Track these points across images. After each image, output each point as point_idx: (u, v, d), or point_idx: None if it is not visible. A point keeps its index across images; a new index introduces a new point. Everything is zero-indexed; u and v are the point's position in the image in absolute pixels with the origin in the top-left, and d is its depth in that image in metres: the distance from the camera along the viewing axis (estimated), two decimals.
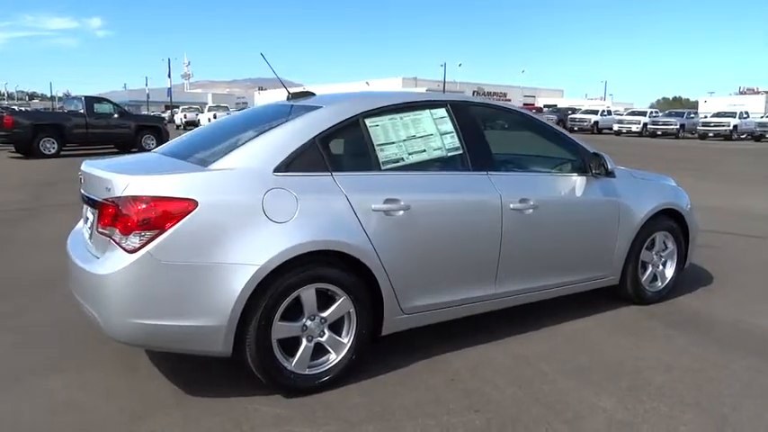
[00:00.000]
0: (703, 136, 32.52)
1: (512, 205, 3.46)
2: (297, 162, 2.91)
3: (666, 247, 4.42)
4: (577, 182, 3.84)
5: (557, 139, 3.96)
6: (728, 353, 3.48)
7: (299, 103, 3.47)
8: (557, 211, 3.71)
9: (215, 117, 37.30)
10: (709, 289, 4.75)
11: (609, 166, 3.85)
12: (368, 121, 3.17)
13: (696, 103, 54.84)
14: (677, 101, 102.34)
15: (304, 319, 2.89)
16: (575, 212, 3.84)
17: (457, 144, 3.40)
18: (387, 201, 3.04)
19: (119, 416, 2.73)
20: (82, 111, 17.34)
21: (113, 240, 2.66)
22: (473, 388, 3.02)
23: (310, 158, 2.95)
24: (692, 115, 36.66)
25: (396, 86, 69.82)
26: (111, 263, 2.63)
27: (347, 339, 3.01)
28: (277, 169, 2.85)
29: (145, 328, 2.63)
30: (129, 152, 18.35)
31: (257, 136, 2.99)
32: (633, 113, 39.18)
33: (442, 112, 3.43)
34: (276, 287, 2.73)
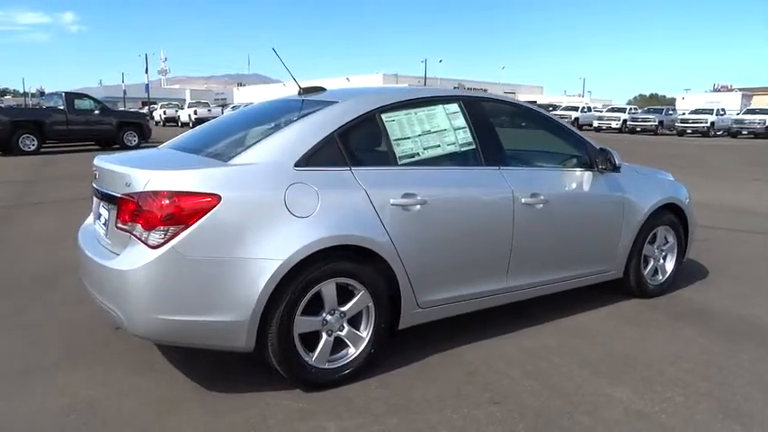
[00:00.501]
0: (681, 132, 33.05)
1: (523, 200, 3.50)
2: (316, 157, 2.90)
3: (667, 241, 4.50)
4: (584, 177, 3.89)
5: (564, 135, 4.00)
6: (734, 344, 3.56)
7: (312, 98, 3.47)
8: (565, 206, 3.76)
9: (195, 113, 36.93)
10: (706, 282, 4.85)
11: (616, 162, 3.91)
12: (384, 117, 3.18)
13: (672, 99, 55.79)
14: (654, 97, 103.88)
15: (324, 314, 2.89)
16: (582, 207, 3.89)
17: (470, 139, 3.43)
18: (405, 195, 3.05)
19: (141, 413, 2.71)
20: (62, 107, 17.03)
21: (134, 236, 2.64)
22: (490, 381, 3.05)
23: (329, 153, 2.95)
24: (671, 112, 37.24)
25: (376, 83, 69.77)
26: (133, 259, 2.60)
27: (366, 333, 3.02)
28: (298, 164, 2.85)
29: (168, 323, 2.61)
30: (112, 149, 18.14)
31: (276, 131, 2.99)
32: (613, 110, 39.71)
33: (454, 107, 3.45)
34: (298, 282, 2.73)
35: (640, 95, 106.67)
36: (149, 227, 2.58)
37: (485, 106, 3.64)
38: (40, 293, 4.36)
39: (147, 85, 59.46)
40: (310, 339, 2.89)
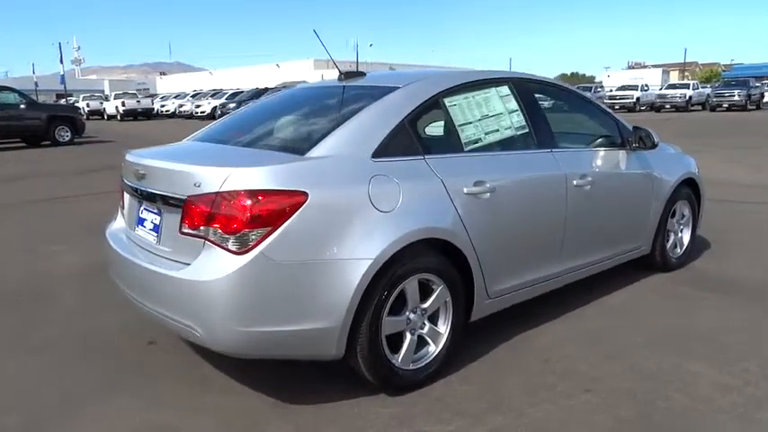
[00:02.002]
0: (611, 108, 34.38)
1: (574, 182, 3.45)
2: (391, 146, 2.72)
3: (684, 215, 4.60)
4: (621, 156, 3.90)
5: (600, 115, 3.99)
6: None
7: (357, 83, 3.27)
8: (606, 186, 3.74)
9: (123, 105, 35.07)
10: (713, 253, 4.98)
11: (655, 140, 3.93)
12: (447, 101, 3.03)
13: (592, 78, 58.07)
14: (575, 76, 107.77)
15: (407, 312, 2.74)
16: (621, 186, 3.90)
17: (523, 122, 3.34)
18: (476, 183, 2.92)
19: None
20: None
21: (211, 242, 2.38)
22: (569, 367, 2.99)
23: (403, 142, 2.78)
24: (599, 90, 38.69)
25: (308, 68, 68.66)
26: (213, 267, 2.35)
27: (444, 329, 2.89)
28: (375, 155, 2.66)
29: (256, 336, 2.39)
30: (41, 146, 16.91)
31: (342, 120, 2.76)
32: None
33: (505, 89, 3.34)
34: (386, 281, 2.56)
35: (562, 75, 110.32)
36: (232, 231, 2.33)
37: (531, 87, 3.55)
38: (41, 306, 3.95)
39: (62, 76, 55.79)
40: (393, 340, 2.73)
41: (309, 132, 2.83)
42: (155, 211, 2.74)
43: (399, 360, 2.72)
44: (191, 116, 34.76)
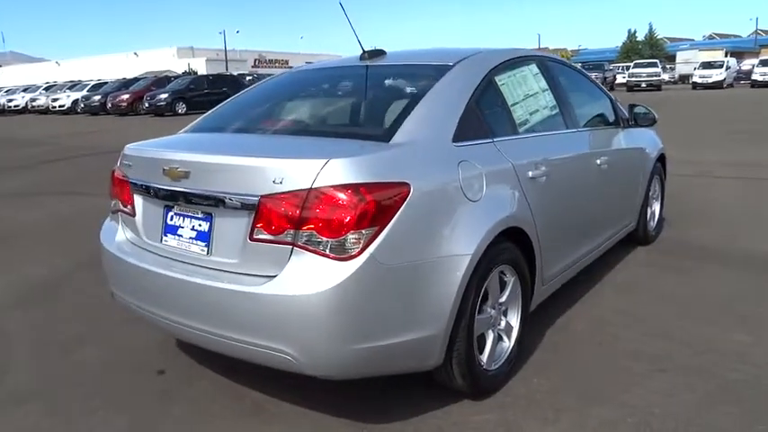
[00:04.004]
0: None
1: (597, 161, 3.43)
2: (465, 129, 2.48)
3: (655, 189, 4.79)
4: (623, 134, 3.95)
5: (600, 94, 4.00)
6: (758, 275, 3.90)
7: (384, 62, 2.98)
8: (616, 164, 3.77)
9: None
10: (675, 224, 5.22)
11: (655, 116, 4.02)
12: (497, 79, 2.84)
13: None
14: None
15: (488, 309, 2.53)
16: (625, 163, 3.96)
17: (554, 102, 3.24)
18: (537, 166, 2.77)
19: None
20: None
21: (303, 248, 2.00)
22: (629, 349, 2.95)
23: (473, 124, 2.55)
24: None
25: (170, 57, 64.75)
26: (312, 277, 1.97)
27: (515, 322, 2.72)
28: (455, 138, 2.40)
29: (364, 353, 2.05)
30: None
31: (411, 102, 2.46)
32: None
33: (535, 68, 3.22)
34: (478, 277, 2.33)
35: None
36: (334, 234, 1.97)
37: (552, 67, 3.44)
38: (17, 336, 3.24)
39: None
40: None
41: (379, 117, 2.52)
42: (198, 216, 2.28)
43: (485, 361, 2.51)
44: (47, 111, 31.38)
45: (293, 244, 2.02)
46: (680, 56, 47.92)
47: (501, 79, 2.87)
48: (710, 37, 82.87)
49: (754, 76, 32.14)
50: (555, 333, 3.17)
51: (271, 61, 70.17)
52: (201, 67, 54.73)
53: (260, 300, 2.03)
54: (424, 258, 2.14)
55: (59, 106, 30.82)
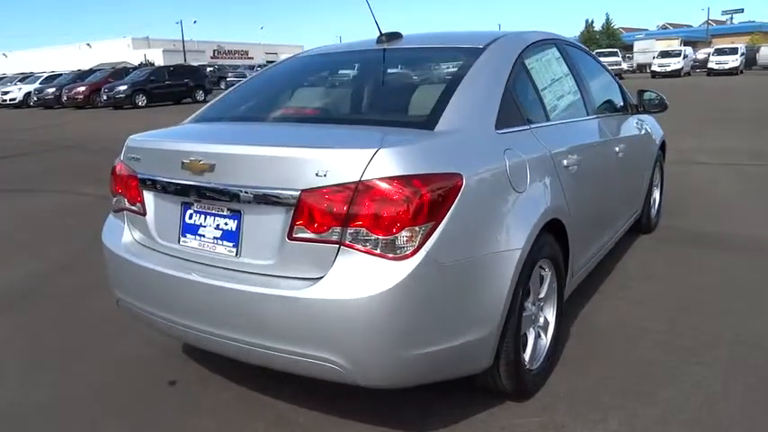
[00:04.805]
0: None
1: (616, 148, 3.34)
2: (505, 116, 2.33)
3: (656, 176, 4.75)
4: (634, 120, 3.88)
5: (610, 79, 3.91)
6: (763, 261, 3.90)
7: (403, 45, 2.82)
8: (629, 150, 3.69)
9: None
10: (673, 211, 5.21)
11: (666, 102, 3.95)
12: (527, 63, 2.69)
13: None
14: None
15: (530, 306, 2.40)
16: (636, 150, 3.88)
17: (575, 87, 3.13)
18: (569, 154, 2.65)
19: None
20: None
21: (352, 247, 1.83)
22: (657, 340, 2.87)
23: (511, 111, 2.40)
24: None
25: (125, 48, 62.93)
26: (364, 279, 1.80)
27: (551, 318, 2.61)
28: (497, 125, 2.26)
29: (418, 360, 1.90)
30: None
31: (448, 88, 2.29)
32: None
33: (556, 51, 3.09)
34: (525, 273, 2.20)
35: None
36: (387, 231, 1.80)
37: (569, 50, 3.32)
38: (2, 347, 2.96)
39: None
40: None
41: (417, 103, 2.34)
42: (224, 213, 2.08)
43: (527, 361, 2.39)
44: None
45: (340, 243, 1.84)
46: (637, 45, 48.79)
47: (530, 63, 2.73)
48: (664, 27, 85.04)
49: (710, 65, 33.07)
50: (578, 326, 3.08)
51: (230, 52, 68.88)
52: (158, 59, 53.30)
53: (302, 305, 1.85)
54: (477, 255, 1.99)
55: (10, 100, 29.45)
